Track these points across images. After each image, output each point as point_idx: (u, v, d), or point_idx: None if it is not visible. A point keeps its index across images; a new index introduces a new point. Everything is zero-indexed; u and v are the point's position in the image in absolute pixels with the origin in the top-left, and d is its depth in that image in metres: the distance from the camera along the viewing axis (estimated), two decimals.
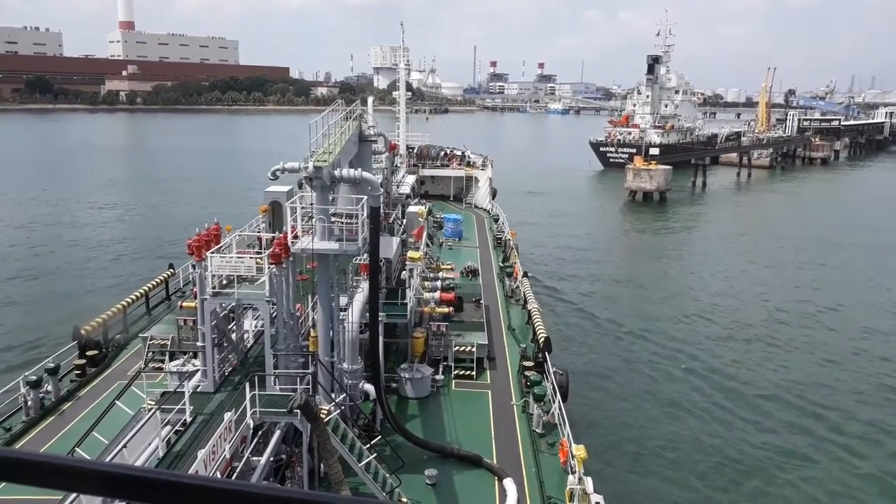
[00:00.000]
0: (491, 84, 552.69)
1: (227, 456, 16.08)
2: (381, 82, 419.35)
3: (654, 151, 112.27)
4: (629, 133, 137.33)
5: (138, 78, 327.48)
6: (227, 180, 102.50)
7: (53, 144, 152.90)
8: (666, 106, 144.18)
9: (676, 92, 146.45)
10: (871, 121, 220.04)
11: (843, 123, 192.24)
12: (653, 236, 76.32)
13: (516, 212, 66.80)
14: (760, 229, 79.88)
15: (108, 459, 15.76)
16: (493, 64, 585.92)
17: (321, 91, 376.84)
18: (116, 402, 19.10)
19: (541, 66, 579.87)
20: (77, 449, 16.87)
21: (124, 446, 16.46)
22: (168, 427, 17.80)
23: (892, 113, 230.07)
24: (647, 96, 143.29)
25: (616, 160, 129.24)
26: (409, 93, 68.00)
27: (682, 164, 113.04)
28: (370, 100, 47.02)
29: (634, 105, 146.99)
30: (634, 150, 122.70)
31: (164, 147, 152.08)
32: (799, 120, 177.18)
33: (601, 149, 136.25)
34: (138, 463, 16.34)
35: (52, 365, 24.28)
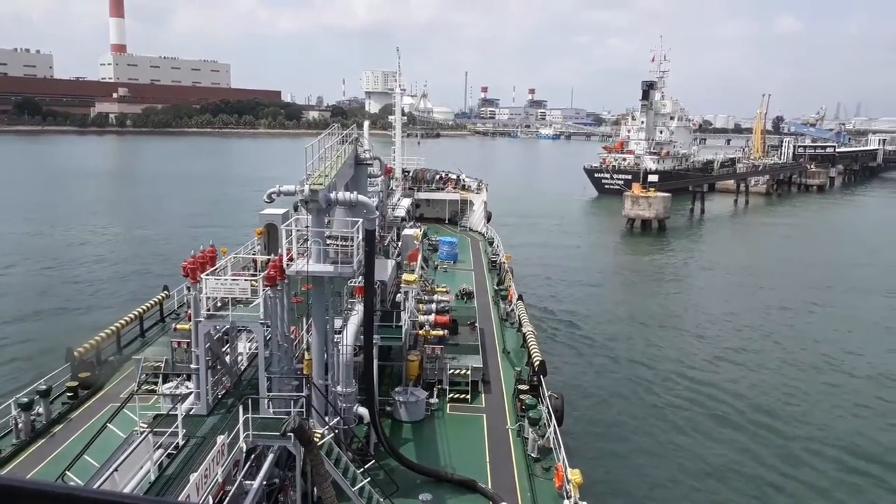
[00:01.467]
0: (482, 109, 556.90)
1: (220, 479, 15.94)
2: (372, 106, 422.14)
3: (653, 178, 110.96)
4: (624, 159, 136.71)
5: (128, 100, 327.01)
6: (218, 204, 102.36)
7: (44, 167, 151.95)
8: (661, 132, 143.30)
9: (671, 118, 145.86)
10: (864, 148, 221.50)
11: (837, 150, 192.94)
12: (651, 265, 74.66)
13: (512, 238, 66.39)
14: (762, 260, 77.81)
15: (98, 483, 15.64)
16: (485, 89, 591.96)
17: (313, 115, 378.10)
18: (108, 424, 18.97)
19: (531, 91, 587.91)
20: (68, 472, 16.73)
21: (115, 469, 16.32)
22: (160, 450, 17.66)
23: (884, 140, 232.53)
24: (642, 122, 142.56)
25: (611, 186, 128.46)
26: (404, 117, 68.47)
27: (680, 191, 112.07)
28: (366, 124, 47.27)
29: (629, 131, 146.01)
30: (630, 177, 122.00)
31: (155, 170, 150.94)
32: (794, 146, 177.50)
33: (596, 175, 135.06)
34: (129, 487, 16.19)
35: (43, 387, 24.10)
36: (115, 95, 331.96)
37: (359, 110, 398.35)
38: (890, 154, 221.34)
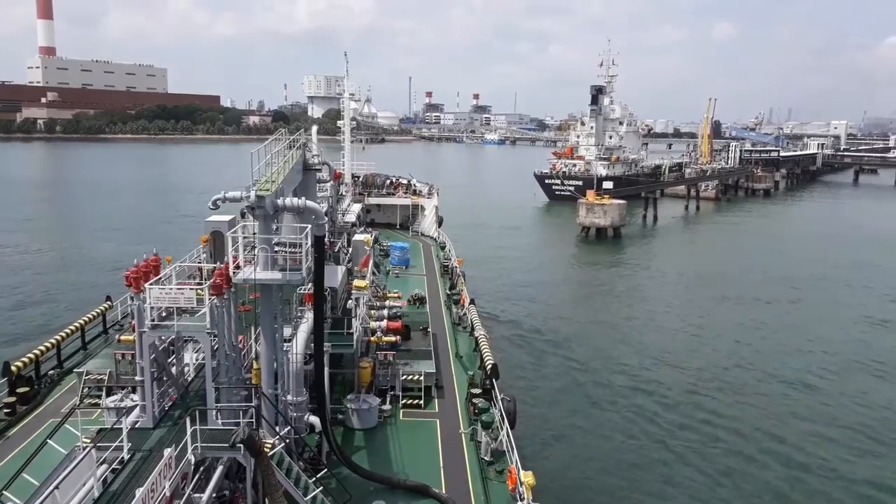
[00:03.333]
0: (427, 114, 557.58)
1: (168, 494, 15.54)
2: (315, 111, 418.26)
3: (608, 185, 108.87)
4: (574, 165, 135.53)
5: (58, 105, 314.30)
6: (158, 212, 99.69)
7: None
8: (611, 137, 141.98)
9: (621, 123, 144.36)
10: (805, 152, 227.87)
11: (781, 155, 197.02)
12: (607, 273, 73.96)
13: (463, 243, 65.83)
14: (720, 267, 77.05)
15: (38, 502, 15.06)
16: (429, 94, 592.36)
17: (253, 120, 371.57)
18: (49, 440, 18.30)
19: (476, 96, 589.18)
20: (5, 492, 16.08)
21: (56, 487, 15.75)
22: (104, 465, 17.11)
23: (822, 144, 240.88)
24: (592, 127, 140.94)
25: (562, 193, 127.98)
26: (356, 121, 68.15)
27: (631, 197, 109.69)
28: (314, 128, 46.87)
29: (578, 136, 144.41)
30: (581, 183, 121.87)
31: (88, 178, 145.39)
32: (741, 151, 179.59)
33: (546, 181, 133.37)
34: None
35: None
36: (43, 100, 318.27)
37: (301, 115, 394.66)
38: (828, 158, 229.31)
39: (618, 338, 48.79)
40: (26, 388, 26.32)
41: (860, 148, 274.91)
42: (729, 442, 32.97)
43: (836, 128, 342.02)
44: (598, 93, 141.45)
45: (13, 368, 26.33)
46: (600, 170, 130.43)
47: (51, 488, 15.66)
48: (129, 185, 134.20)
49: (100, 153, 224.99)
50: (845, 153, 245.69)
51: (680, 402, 37.40)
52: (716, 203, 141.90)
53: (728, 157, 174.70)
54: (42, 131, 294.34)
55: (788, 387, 40.52)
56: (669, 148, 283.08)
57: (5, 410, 25.00)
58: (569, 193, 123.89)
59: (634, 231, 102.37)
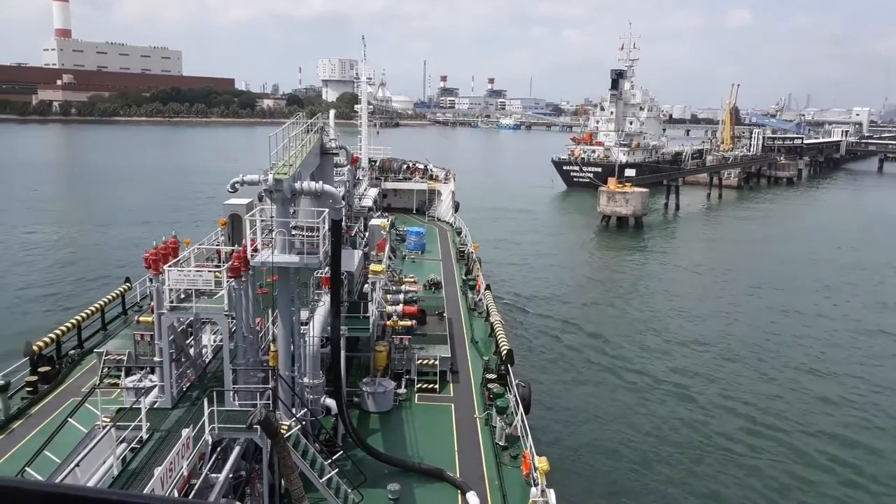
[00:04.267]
0: (441, 99, 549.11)
1: (185, 473, 15.75)
2: (329, 95, 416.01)
3: (631, 173, 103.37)
4: (594, 151, 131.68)
5: (74, 88, 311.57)
6: (176, 196, 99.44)
7: None
8: (631, 123, 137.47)
9: (641, 108, 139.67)
10: (828, 139, 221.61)
11: (805, 142, 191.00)
12: (627, 263, 71.11)
13: (480, 229, 64.63)
14: (746, 260, 72.89)
15: (59, 479, 15.33)
16: (444, 78, 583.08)
17: (267, 103, 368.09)
18: (69, 419, 18.58)
19: (491, 81, 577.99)
20: (27, 469, 16.36)
21: (77, 465, 16.01)
22: (123, 444, 17.37)
23: (846, 132, 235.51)
24: (612, 112, 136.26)
25: (580, 180, 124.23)
26: (371, 105, 67.97)
27: (652, 185, 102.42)
28: (332, 113, 46.72)
29: (598, 122, 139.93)
30: (600, 169, 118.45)
31: (106, 161, 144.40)
32: (764, 138, 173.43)
33: (564, 167, 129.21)
34: (91, 482, 15.91)
35: (1, 382, 23.53)
36: (59, 82, 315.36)
37: (316, 99, 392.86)
38: (852, 146, 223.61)
39: (637, 329, 48.13)
40: (48, 368, 26.72)
41: (883, 136, 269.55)
42: (746, 435, 32.60)
43: (857, 115, 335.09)
44: (618, 77, 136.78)
45: (35, 348, 26.71)
46: (620, 156, 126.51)
47: (71, 466, 15.91)
48: (144, 168, 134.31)
49: (115, 135, 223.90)
50: (869, 140, 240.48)
51: (699, 393, 36.99)
52: (738, 191, 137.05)
53: (751, 145, 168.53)
54: (58, 113, 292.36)
55: (813, 379, 39.64)
56: (687, 134, 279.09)
57: (27, 389, 25.41)
58: (588, 180, 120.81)
59: (656, 220, 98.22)
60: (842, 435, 32.75)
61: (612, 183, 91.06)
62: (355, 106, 66.07)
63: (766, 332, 48.12)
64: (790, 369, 40.96)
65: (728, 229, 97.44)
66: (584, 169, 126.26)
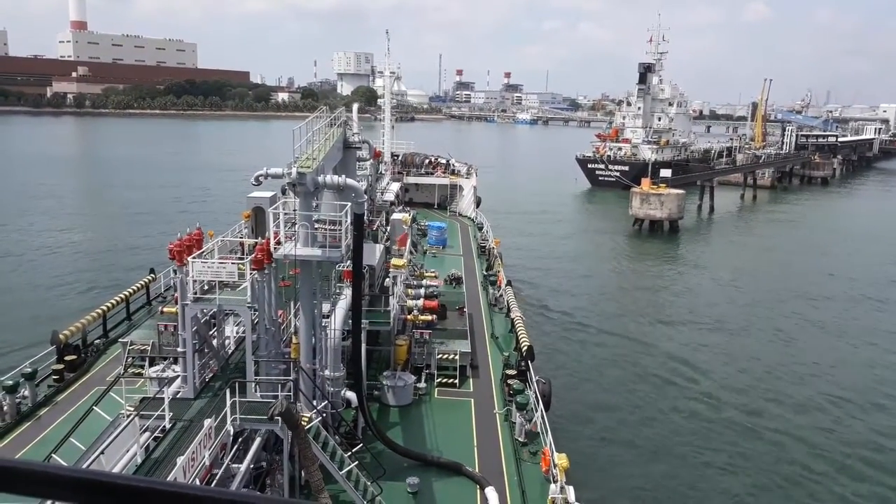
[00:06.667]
0: (457, 93, 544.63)
1: (207, 463, 15.92)
2: (344, 88, 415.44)
3: (666, 173, 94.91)
4: (620, 149, 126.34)
5: (88, 80, 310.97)
6: (197, 189, 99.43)
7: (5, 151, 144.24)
8: (659, 119, 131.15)
9: (670, 104, 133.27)
10: (861, 137, 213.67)
11: (839, 140, 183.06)
12: (661, 269, 66.58)
13: (500, 232, 60.26)
14: (791, 268, 67.86)
15: (84, 466, 15.56)
16: (459, 72, 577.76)
17: (282, 97, 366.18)
18: (94, 407, 18.87)
19: (507, 75, 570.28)
20: (53, 455, 16.64)
21: (102, 452, 16.27)
22: (147, 433, 17.61)
23: (879, 129, 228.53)
24: (639, 108, 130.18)
25: (606, 178, 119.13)
26: (393, 99, 68.01)
27: (685, 185, 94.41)
28: (355, 106, 46.93)
29: (624, 118, 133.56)
30: (626, 168, 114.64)
31: (123, 154, 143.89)
32: (797, 136, 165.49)
33: (589, 165, 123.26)
34: (116, 469, 16.14)
35: (28, 370, 23.94)
36: (74, 74, 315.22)
37: (331, 92, 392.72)
38: (885, 144, 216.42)
39: (667, 335, 46.46)
40: (73, 357, 27.14)
41: None
42: (770, 443, 31.73)
43: (885, 111, 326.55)
44: (646, 71, 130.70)
45: (61, 337, 27.14)
46: (647, 153, 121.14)
47: (97, 453, 16.17)
48: (160, 161, 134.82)
49: (129, 128, 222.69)
50: None
51: (723, 398, 35.84)
52: (772, 191, 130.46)
53: (784, 142, 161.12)
54: (71, 105, 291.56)
55: (847, 396, 37.41)
56: (708, 130, 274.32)
57: (54, 377, 25.84)
58: (614, 179, 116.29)
59: (690, 223, 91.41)
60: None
61: (645, 184, 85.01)
62: (378, 100, 66.16)
63: (807, 350, 44.87)
64: (827, 396, 37.60)
65: (768, 235, 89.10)
66: (611, 167, 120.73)
